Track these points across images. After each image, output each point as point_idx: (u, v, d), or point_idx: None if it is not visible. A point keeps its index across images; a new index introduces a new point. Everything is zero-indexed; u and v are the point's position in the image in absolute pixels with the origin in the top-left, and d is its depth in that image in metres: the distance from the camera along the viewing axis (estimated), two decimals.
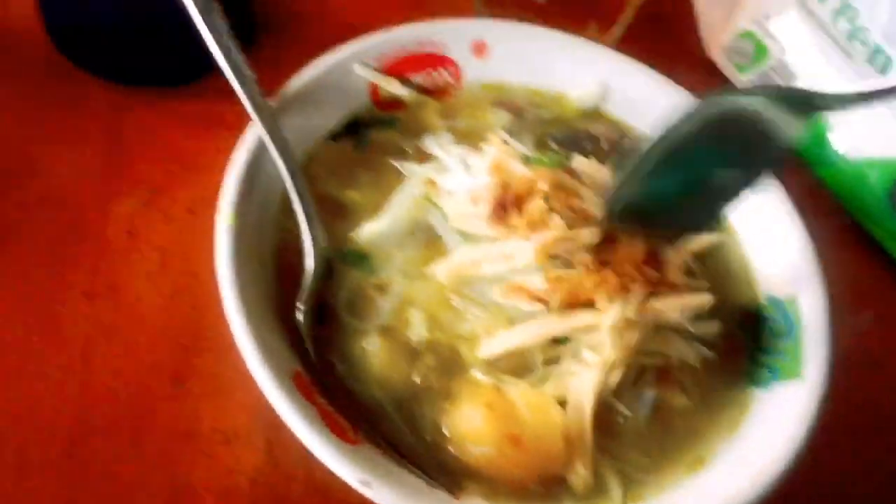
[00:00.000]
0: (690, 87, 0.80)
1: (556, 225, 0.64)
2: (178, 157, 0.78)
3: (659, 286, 0.64)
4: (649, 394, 0.63)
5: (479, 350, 0.62)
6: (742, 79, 0.95)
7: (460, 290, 0.64)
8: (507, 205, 0.65)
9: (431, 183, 0.68)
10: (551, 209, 0.65)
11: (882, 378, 0.79)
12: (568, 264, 0.64)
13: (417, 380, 0.61)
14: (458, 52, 0.78)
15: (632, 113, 0.80)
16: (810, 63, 0.89)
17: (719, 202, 0.63)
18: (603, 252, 0.64)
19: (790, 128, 0.58)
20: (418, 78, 0.77)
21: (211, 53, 0.66)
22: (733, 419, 0.64)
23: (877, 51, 0.84)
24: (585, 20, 0.90)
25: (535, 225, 0.64)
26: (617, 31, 0.93)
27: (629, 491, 0.59)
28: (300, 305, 0.62)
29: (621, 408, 0.62)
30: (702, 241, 0.71)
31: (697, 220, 0.66)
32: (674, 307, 0.63)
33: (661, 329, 0.63)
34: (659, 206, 0.62)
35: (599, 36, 0.91)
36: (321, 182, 0.70)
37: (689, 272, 0.69)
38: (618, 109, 0.81)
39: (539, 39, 0.80)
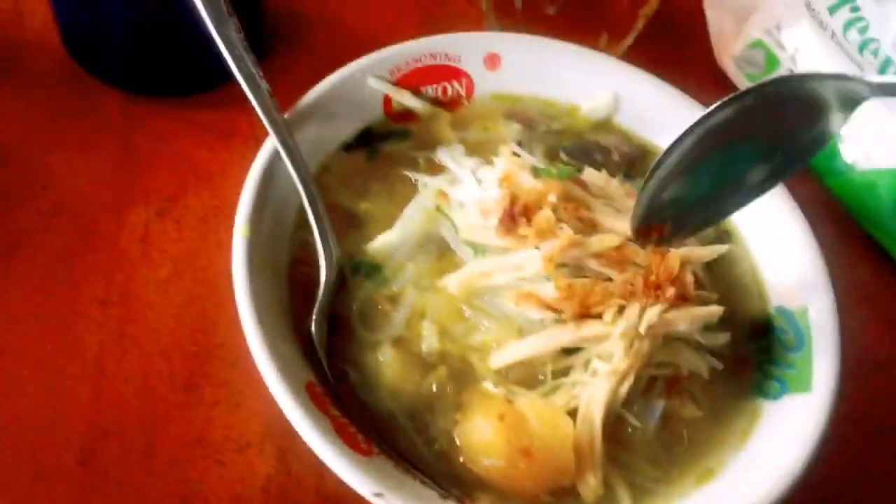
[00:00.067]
0: (701, 97, 0.80)
1: (565, 234, 0.64)
2: (192, 167, 0.78)
3: (670, 298, 0.64)
4: (659, 404, 0.63)
5: (490, 361, 0.62)
6: None
7: (471, 302, 0.64)
8: (515, 215, 0.65)
9: (443, 195, 0.69)
10: (560, 220, 0.65)
11: (891, 386, 0.79)
12: (578, 273, 0.64)
13: (429, 391, 0.62)
14: (471, 64, 0.78)
15: (643, 124, 0.80)
16: None
17: (746, 195, 0.63)
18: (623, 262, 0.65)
19: (836, 119, 0.58)
20: (431, 90, 0.78)
21: (225, 64, 0.67)
22: (742, 431, 0.64)
23: (887, 62, 0.85)
24: (597, 31, 0.91)
25: (544, 234, 0.64)
26: (627, 41, 0.93)
27: (639, 502, 0.60)
28: (314, 316, 0.62)
29: (631, 419, 0.62)
30: (711, 251, 0.71)
31: (723, 210, 0.66)
32: (684, 318, 0.63)
33: (670, 340, 0.63)
34: (691, 198, 0.62)
35: (610, 47, 0.92)
36: (334, 193, 0.71)
37: (699, 283, 0.69)
38: (629, 121, 0.81)
39: (551, 51, 0.80)
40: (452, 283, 0.65)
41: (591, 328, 0.62)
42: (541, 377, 0.62)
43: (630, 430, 0.62)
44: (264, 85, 0.67)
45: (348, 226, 0.69)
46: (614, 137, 0.79)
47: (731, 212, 0.67)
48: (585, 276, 0.64)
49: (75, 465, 0.62)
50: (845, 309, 0.68)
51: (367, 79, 0.74)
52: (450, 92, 0.79)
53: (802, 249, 0.70)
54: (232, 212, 0.64)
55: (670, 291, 0.62)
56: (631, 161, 0.77)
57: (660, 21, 0.93)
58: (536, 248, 0.64)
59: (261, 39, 0.87)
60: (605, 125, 0.81)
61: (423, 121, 0.77)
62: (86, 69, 0.82)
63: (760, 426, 0.64)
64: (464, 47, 0.78)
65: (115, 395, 0.65)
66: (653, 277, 0.63)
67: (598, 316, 0.62)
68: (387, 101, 0.76)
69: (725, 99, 0.58)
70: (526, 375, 0.62)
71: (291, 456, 0.64)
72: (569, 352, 0.62)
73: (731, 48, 0.96)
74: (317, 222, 0.65)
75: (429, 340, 0.63)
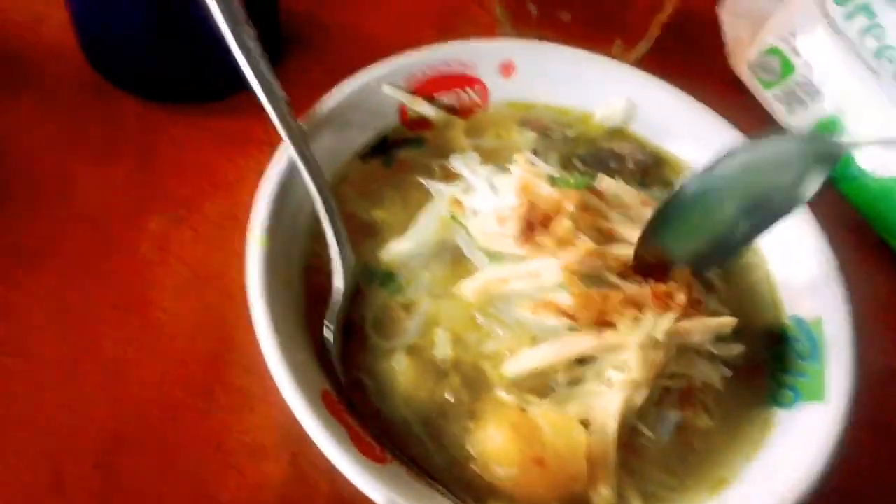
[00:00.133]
0: (716, 104, 0.80)
1: (584, 244, 0.64)
2: (209, 174, 0.79)
3: (680, 305, 0.64)
4: (673, 415, 0.63)
5: (503, 369, 0.62)
6: (767, 95, 0.95)
7: (485, 310, 0.64)
8: (534, 224, 0.66)
9: (457, 203, 0.69)
10: (577, 229, 0.66)
11: None
12: (596, 283, 0.64)
13: (443, 399, 0.62)
14: (485, 72, 0.79)
15: (657, 131, 0.81)
16: (836, 80, 0.89)
17: (734, 246, 0.68)
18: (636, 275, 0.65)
19: (812, 180, 0.62)
20: (446, 98, 0.78)
21: (241, 72, 0.67)
22: (756, 440, 0.64)
23: None
24: (611, 38, 0.91)
25: (563, 243, 0.65)
26: (642, 48, 0.93)
27: None
28: (329, 324, 0.63)
29: (645, 430, 0.62)
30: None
31: (713, 259, 0.69)
32: (698, 329, 0.63)
33: (684, 351, 0.63)
34: (683, 243, 0.66)
35: (625, 53, 0.92)
36: (349, 201, 0.71)
37: (714, 291, 0.69)
38: (643, 128, 0.81)
39: (565, 58, 0.80)
40: (469, 289, 0.65)
41: (606, 337, 0.62)
42: (554, 386, 0.62)
43: (644, 440, 0.62)
44: (281, 93, 0.67)
45: (363, 234, 0.69)
46: (629, 145, 0.79)
47: (719, 263, 0.70)
48: (600, 286, 0.64)
49: (92, 470, 0.62)
50: (861, 316, 0.68)
51: (382, 86, 0.75)
52: (464, 99, 0.79)
53: (817, 258, 0.70)
54: (248, 218, 0.64)
55: (680, 299, 0.63)
56: (645, 169, 0.77)
57: (675, 28, 0.93)
58: (555, 256, 0.64)
59: (277, 45, 0.88)
60: (619, 132, 0.81)
61: (437, 128, 0.78)
62: (104, 76, 0.83)
63: (774, 435, 0.64)
64: (478, 55, 0.78)
65: (131, 401, 0.66)
66: (663, 287, 0.63)
67: (613, 325, 0.62)
68: (402, 108, 0.76)
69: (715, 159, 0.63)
70: (539, 384, 0.62)
71: (306, 462, 0.64)
72: (581, 362, 0.62)
73: (746, 55, 0.96)
74: (332, 230, 0.65)
75: (442, 348, 0.63)
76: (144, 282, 0.72)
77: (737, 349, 0.66)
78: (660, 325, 0.61)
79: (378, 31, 0.94)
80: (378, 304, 0.66)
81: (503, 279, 0.65)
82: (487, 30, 0.95)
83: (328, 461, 0.55)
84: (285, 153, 0.67)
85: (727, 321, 0.65)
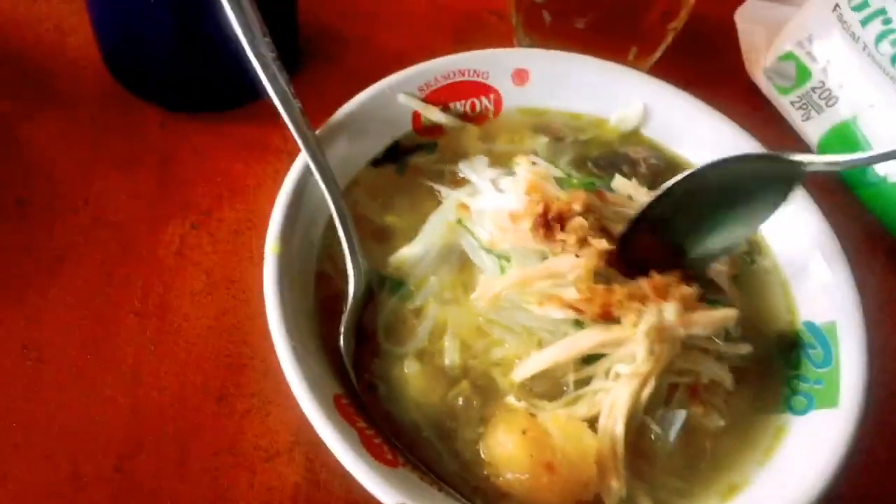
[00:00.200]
0: (732, 110, 0.80)
1: (599, 243, 0.65)
2: (227, 181, 0.81)
3: (686, 299, 0.64)
4: (681, 413, 0.63)
5: (512, 374, 0.63)
6: (784, 101, 0.94)
7: (491, 317, 0.65)
8: (550, 222, 0.66)
9: (464, 206, 0.70)
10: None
11: None
12: (598, 279, 0.65)
13: (453, 404, 0.62)
14: (499, 80, 0.79)
15: (670, 137, 0.81)
16: (852, 85, 0.89)
17: (720, 249, 0.70)
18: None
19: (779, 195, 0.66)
20: (460, 106, 0.79)
21: (258, 82, 0.68)
22: (767, 446, 0.64)
23: None
24: (626, 45, 0.91)
25: (582, 242, 0.65)
26: (657, 55, 0.94)
27: None
28: (342, 329, 0.63)
29: (653, 425, 0.62)
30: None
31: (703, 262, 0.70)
32: (702, 321, 0.63)
33: (690, 349, 0.64)
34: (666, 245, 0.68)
35: (639, 61, 0.92)
36: (362, 206, 0.72)
37: (718, 290, 0.70)
38: (657, 134, 0.81)
39: (578, 66, 0.81)
40: (489, 291, 0.64)
41: (612, 331, 0.62)
42: (564, 388, 0.63)
43: (654, 441, 0.62)
44: (296, 103, 0.68)
45: (376, 239, 0.70)
46: (643, 149, 0.80)
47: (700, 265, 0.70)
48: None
49: (112, 471, 0.64)
50: (876, 320, 0.68)
51: (397, 95, 0.76)
52: (478, 107, 0.80)
53: (831, 264, 0.70)
54: (265, 224, 0.65)
55: (676, 292, 0.63)
56: (658, 173, 0.77)
57: (689, 35, 0.93)
58: (576, 255, 0.65)
59: (294, 55, 0.89)
60: (634, 136, 0.81)
61: (450, 134, 0.79)
62: (126, 87, 0.85)
63: (786, 441, 0.64)
64: (492, 63, 0.79)
65: (150, 404, 0.67)
66: (661, 280, 0.64)
67: (617, 321, 0.62)
68: (415, 116, 0.77)
69: (680, 176, 0.66)
70: (549, 388, 0.63)
71: (319, 465, 0.65)
72: (590, 361, 0.63)
73: (762, 61, 0.96)
74: (346, 238, 0.66)
75: (450, 355, 0.64)
76: (163, 287, 0.73)
77: (745, 348, 0.66)
78: (665, 312, 0.62)
79: (394, 42, 0.95)
80: (389, 309, 0.66)
81: (527, 280, 0.65)
82: (504, 39, 0.96)
83: (342, 465, 0.55)
84: (301, 161, 0.68)
85: (731, 313, 0.65)
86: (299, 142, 0.67)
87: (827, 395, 0.64)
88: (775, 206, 0.66)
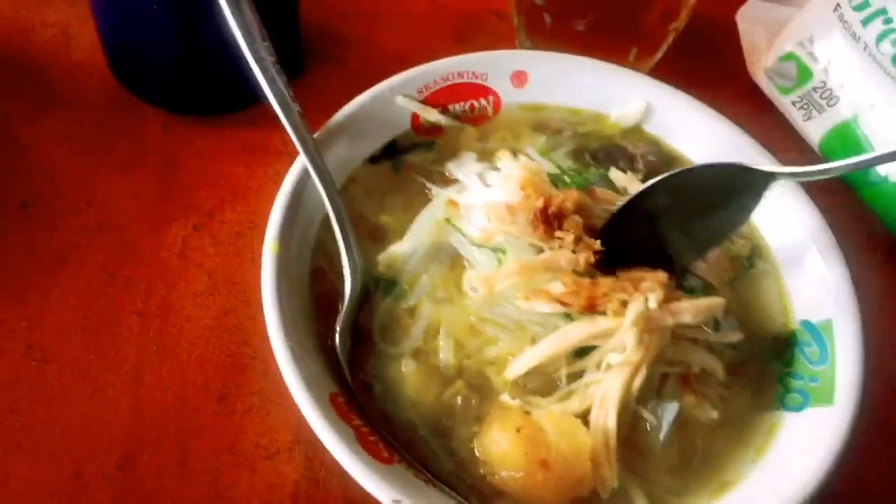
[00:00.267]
0: (733, 110, 0.80)
1: (593, 242, 0.66)
2: (229, 183, 0.81)
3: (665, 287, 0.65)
4: (673, 405, 0.63)
5: (506, 373, 0.63)
6: (785, 101, 0.95)
7: (483, 315, 0.65)
8: (549, 218, 0.67)
9: (453, 203, 0.70)
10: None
11: None
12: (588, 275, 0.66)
13: (449, 403, 0.63)
14: (498, 82, 0.80)
15: (671, 138, 0.81)
16: (853, 85, 0.89)
17: (703, 245, 0.71)
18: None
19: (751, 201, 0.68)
20: (458, 107, 0.80)
21: (257, 85, 0.69)
22: (761, 443, 0.64)
23: None
24: (626, 46, 0.91)
25: (577, 240, 0.66)
26: (657, 56, 0.94)
27: None
28: (338, 328, 0.64)
29: (646, 414, 0.62)
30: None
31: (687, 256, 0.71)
32: (688, 309, 0.64)
33: (680, 339, 0.64)
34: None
35: (640, 62, 0.92)
36: (358, 204, 0.73)
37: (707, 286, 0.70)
38: (656, 132, 0.82)
39: (577, 68, 0.81)
40: (486, 283, 0.64)
41: (600, 323, 0.63)
42: (557, 384, 0.63)
43: (647, 436, 0.63)
44: (295, 106, 0.68)
45: (372, 238, 0.71)
46: (643, 145, 0.80)
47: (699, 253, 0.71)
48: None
49: (114, 470, 0.65)
50: (876, 318, 0.68)
51: (396, 97, 0.76)
52: (477, 109, 0.80)
53: (828, 262, 0.70)
54: (266, 226, 0.66)
55: (655, 279, 0.64)
56: (653, 170, 0.77)
57: (690, 35, 0.93)
58: (574, 252, 0.65)
59: (298, 59, 0.90)
60: (634, 132, 0.81)
61: (449, 134, 0.79)
62: (130, 90, 0.86)
63: (780, 438, 0.64)
64: (490, 65, 0.79)
65: (152, 404, 0.68)
66: (637, 274, 0.65)
67: (604, 313, 0.63)
68: (414, 118, 0.78)
69: (649, 184, 0.69)
70: (542, 384, 0.63)
71: (319, 463, 0.66)
72: (582, 355, 0.63)
73: (763, 61, 0.96)
74: (343, 239, 0.66)
75: (445, 355, 0.64)
76: (166, 289, 0.74)
77: (735, 336, 0.67)
78: (650, 300, 0.62)
79: (395, 42, 0.96)
80: (384, 309, 0.67)
81: (527, 269, 0.65)
82: (505, 39, 0.97)
83: (340, 464, 0.56)
84: (300, 162, 0.69)
85: (717, 301, 0.66)
86: (297, 143, 0.68)
87: (823, 393, 0.64)
88: (750, 210, 0.69)
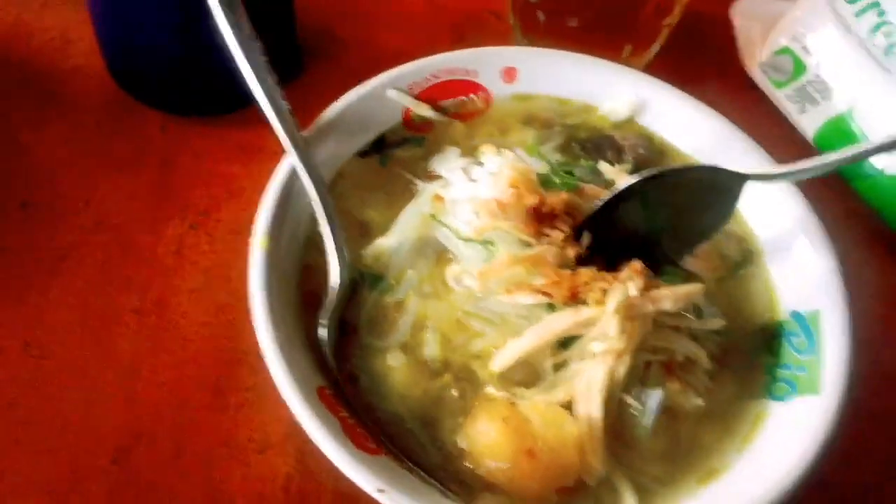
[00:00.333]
0: (728, 104, 0.80)
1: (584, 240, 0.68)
2: (225, 182, 0.82)
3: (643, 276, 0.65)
4: (657, 392, 0.63)
5: (491, 365, 0.63)
6: (779, 94, 0.95)
7: (468, 309, 0.66)
8: (541, 216, 0.67)
9: (438, 198, 0.71)
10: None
11: None
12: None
13: (435, 396, 0.63)
14: (488, 78, 0.80)
15: (659, 130, 0.81)
16: (847, 78, 0.89)
17: (689, 241, 0.72)
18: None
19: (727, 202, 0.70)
20: (449, 103, 0.80)
21: (245, 85, 0.70)
22: (748, 432, 0.64)
23: None
24: (620, 42, 0.92)
25: (568, 238, 0.67)
26: (652, 52, 0.94)
27: (642, 501, 0.60)
28: (322, 322, 0.64)
29: (631, 400, 0.62)
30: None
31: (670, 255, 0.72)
32: (668, 296, 0.64)
33: (662, 326, 0.64)
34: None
35: (634, 58, 0.93)
36: (346, 199, 0.73)
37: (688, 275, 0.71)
38: (645, 125, 0.82)
39: (567, 64, 0.82)
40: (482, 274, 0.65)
41: (583, 312, 0.63)
42: (543, 374, 0.63)
43: (633, 425, 0.63)
44: (285, 105, 0.69)
45: (359, 232, 0.71)
46: (633, 136, 0.80)
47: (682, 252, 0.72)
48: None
49: (109, 464, 0.66)
50: (870, 311, 0.69)
51: (387, 92, 0.77)
52: (467, 104, 0.81)
53: (816, 252, 0.70)
54: None
55: (631, 268, 0.64)
56: (641, 163, 0.77)
57: (684, 31, 0.94)
58: (563, 251, 0.66)
59: (295, 58, 0.91)
60: (625, 124, 0.82)
61: (439, 129, 0.79)
62: (128, 92, 0.87)
63: (767, 427, 0.64)
64: (481, 62, 0.80)
65: (147, 400, 0.69)
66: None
67: (585, 302, 0.63)
68: (406, 113, 0.78)
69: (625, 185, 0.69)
70: (528, 375, 0.63)
71: (310, 457, 0.66)
72: (566, 345, 0.63)
73: (757, 55, 0.97)
74: (330, 232, 0.67)
75: (431, 349, 0.64)
76: (162, 286, 0.75)
77: (717, 323, 0.67)
78: (630, 288, 0.63)
79: (393, 42, 0.97)
80: (371, 303, 0.67)
81: (518, 261, 0.65)
82: (503, 39, 0.97)
83: None
84: (288, 162, 0.69)
85: (695, 288, 0.66)
86: (285, 142, 0.68)
87: (809, 382, 0.64)
88: (728, 210, 0.70)
